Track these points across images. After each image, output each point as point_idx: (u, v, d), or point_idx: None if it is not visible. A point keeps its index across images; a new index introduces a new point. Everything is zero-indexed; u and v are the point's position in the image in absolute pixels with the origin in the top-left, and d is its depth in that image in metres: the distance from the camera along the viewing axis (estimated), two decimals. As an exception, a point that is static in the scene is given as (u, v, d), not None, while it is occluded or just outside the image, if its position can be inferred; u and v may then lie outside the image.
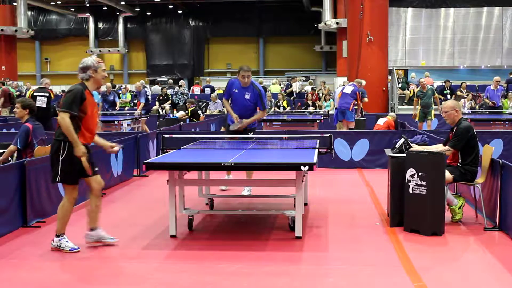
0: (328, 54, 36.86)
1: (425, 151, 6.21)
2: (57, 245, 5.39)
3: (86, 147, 5.35)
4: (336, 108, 14.23)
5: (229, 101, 8.08)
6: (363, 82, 15.51)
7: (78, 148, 5.21)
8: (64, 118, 5.18)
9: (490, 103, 16.26)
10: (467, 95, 18.98)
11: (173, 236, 5.91)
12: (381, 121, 12.88)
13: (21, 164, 6.34)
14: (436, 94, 15.16)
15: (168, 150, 6.74)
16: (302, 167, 5.37)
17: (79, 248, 5.37)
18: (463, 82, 20.45)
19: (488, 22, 25.19)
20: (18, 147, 6.98)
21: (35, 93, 12.65)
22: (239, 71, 7.84)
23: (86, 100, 5.32)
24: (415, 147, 6.58)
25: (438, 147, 6.55)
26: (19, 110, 7.20)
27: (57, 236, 5.41)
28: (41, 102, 12.08)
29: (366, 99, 15.63)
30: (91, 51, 39.46)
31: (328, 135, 7.01)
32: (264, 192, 7.44)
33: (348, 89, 13.80)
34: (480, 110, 16.96)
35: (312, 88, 22.35)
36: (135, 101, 17.20)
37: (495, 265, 5.02)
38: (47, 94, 12.41)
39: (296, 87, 23.84)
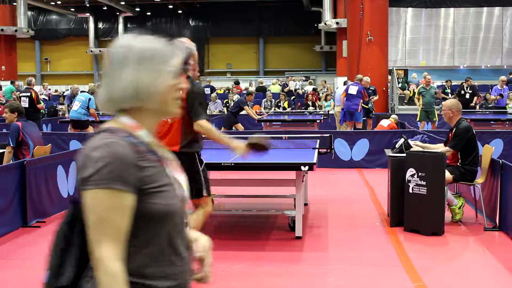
0: (328, 54, 36.83)
1: (425, 151, 6.22)
2: None
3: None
4: (342, 109, 13.99)
5: None
6: (367, 79, 15.44)
7: (235, 144, 4.35)
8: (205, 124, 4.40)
9: (498, 96, 16.21)
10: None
11: (173, 236, 5.90)
12: (384, 123, 12.69)
13: (21, 164, 6.34)
14: (440, 93, 14.91)
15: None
16: (302, 167, 5.37)
17: None
18: (463, 82, 20.44)
19: (488, 22, 25.18)
20: (12, 145, 6.99)
21: (20, 94, 12.71)
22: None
23: None
24: (417, 144, 6.59)
25: (438, 147, 6.56)
26: (8, 115, 7.26)
27: None
28: (24, 102, 12.11)
29: (376, 97, 15.67)
30: (91, 51, 39.48)
31: (328, 135, 7.01)
32: (264, 192, 7.43)
33: (353, 90, 13.54)
34: (480, 110, 16.96)
35: (313, 89, 22.34)
36: None
37: (495, 265, 5.02)
38: (28, 94, 12.44)
39: (293, 86, 23.84)
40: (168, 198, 1.63)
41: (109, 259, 1.52)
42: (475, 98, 16.76)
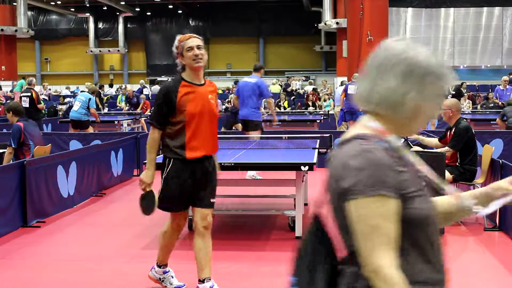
0: (328, 54, 36.86)
1: (425, 150, 6.22)
2: (160, 278, 4.45)
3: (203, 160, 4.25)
4: (341, 109, 13.93)
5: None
6: None
7: (147, 174, 4.09)
8: (152, 133, 4.08)
9: (500, 103, 16.15)
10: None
11: (173, 236, 5.90)
12: None
13: (21, 164, 6.34)
14: None
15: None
16: (302, 167, 5.37)
17: (184, 285, 4.48)
18: (463, 82, 20.45)
19: (488, 22, 25.21)
20: (13, 146, 6.99)
21: (21, 94, 12.73)
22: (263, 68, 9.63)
23: (178, 99, 3.98)
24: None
25: (432, 141, 6.58)
26: (9, 115, 7.28)
27: (159, 266, 4.46)
28: (25, 102, 12.13)
29: None
30: (91, 51, 39.50)
31: (328, 135, 7.00)
32: (264, 192, 7.44)
33: (352, 89, 13.51)
34: (481, 110, 16.94)
35: (313, 89, 22.32)
36: (127, 107, 17.68)
37: (495, 265, 5.02)
38: (29, 94, 12.46)
39: (294, 86, 23.87)
40: (424, 203, 1.57)
41: (387, 267, 1.46)
42: (462, 98, 16.78)
